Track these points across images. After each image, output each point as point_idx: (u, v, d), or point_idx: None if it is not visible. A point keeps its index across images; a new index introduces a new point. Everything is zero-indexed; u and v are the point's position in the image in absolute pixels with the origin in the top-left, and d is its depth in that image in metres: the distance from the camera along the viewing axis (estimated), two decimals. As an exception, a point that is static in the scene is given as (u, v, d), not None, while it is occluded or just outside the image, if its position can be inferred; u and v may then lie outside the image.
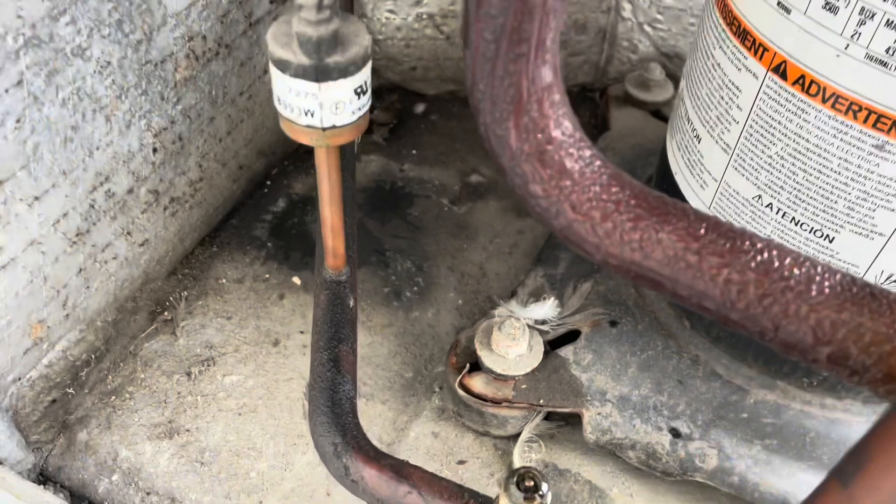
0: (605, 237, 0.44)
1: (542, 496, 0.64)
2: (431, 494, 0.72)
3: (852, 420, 1.05)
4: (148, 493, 1.07)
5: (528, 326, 1.15)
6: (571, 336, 1.18)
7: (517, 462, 1.12)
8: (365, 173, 1.54)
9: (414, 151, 1.60)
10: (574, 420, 1.18)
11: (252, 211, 1.44)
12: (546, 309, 1.16)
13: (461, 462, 1.13)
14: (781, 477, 1.03)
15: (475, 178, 1.55)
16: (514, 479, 0.65)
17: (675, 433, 1.08)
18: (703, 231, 0.43)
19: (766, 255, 0.42)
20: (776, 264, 0.42)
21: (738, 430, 1.07)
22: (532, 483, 0.65)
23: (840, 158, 0.83)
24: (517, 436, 1.15)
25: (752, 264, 0.42)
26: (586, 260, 1.39)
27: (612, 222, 0.43)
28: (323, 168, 0.76)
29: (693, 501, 1.10)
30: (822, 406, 1.06)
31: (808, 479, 1.03)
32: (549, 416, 1.19)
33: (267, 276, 1.34)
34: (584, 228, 0.44)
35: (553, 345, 1.19)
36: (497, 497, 0.68)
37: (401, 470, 0.74)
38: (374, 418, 1.18)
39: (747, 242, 0.43)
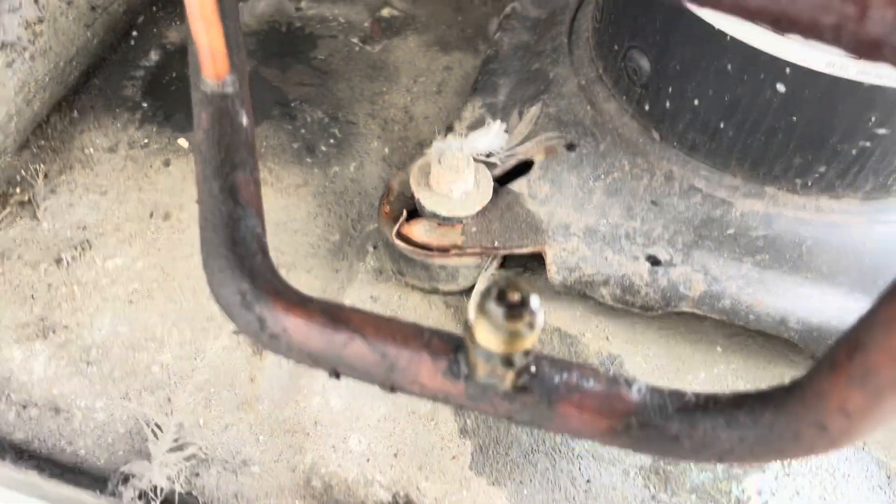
0: None
1: (531, 312, 0.47)
2: (380, 339, 0.54)
3: (852, 222, 0.92)
4: (24, 406, 0.85)
5: (473, 159, 0.95)
6: (523, 168, 1.00)
7: (472, 316, 0.95)
8: (253, 14, 1.28)
9: (311, -11, 1.35)
10: (535, 264, 1.01)
11: (118, 67, 1.17)
12: (491, 137, 0.97)
13: (409, 326, 0.95)
14: (778, 294, 0.90)
15: (388, 12, 1.31)
16: (493, 294, 0.48)
17: (654, 261, 0.92)
18: None
19: None
20: None
21: (725, 249, 0.92)
22: (517, 297, 0.48)
23: None
24: (471, 290, 0.98)
25: None
26: (530, 83, 1.20)
27: None
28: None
29: (677, 335, 0.96)
30: (818, 210, 0.92)
31: (808, 294, 0.90)
32: (505, 263, 1.02)
33: (146, 140, 1.09)
34: None
35: (503, 181, 1.00)
36: (469, 327, 0.51)
37: (337, 314, 0.55)
38: (300, 290, 0.97)
39: None
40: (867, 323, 0.42)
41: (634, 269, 0.92)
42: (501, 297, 0.48)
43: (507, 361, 0.50)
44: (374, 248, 1.03)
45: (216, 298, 0.58)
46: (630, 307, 0.93)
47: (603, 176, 0.97)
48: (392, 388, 0.56)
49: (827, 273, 0.91)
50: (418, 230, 0.94)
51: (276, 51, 1.23)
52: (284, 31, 1.26)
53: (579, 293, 0.94)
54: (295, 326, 0.55)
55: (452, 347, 0.54)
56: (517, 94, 1.09)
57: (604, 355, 0.94)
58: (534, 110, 1.04)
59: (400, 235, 0.94)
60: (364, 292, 0.98)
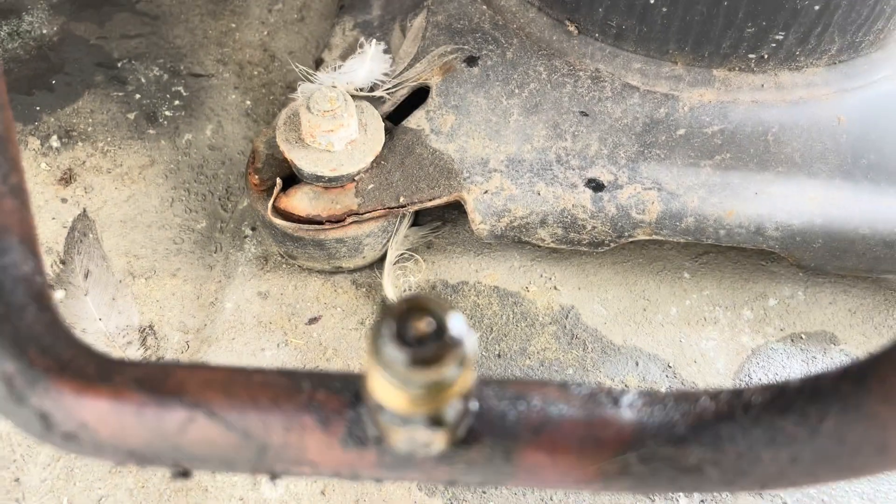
0: None
1: (454, 342, 0.29)
2: (235, 408, 0.35)
3: (820, 95, 0.76)
4: None
5: (353, 97, 0.74)
6: (418, 98, 0.80)
7: (390, 293, 0.76)
8: (49, -43, 1.01)
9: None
10: (453, 213, 0.82)
11: None
12: (370, 64, 0.76)
13: (313, 320, 0.76)
14: (747, 199, 0.74)
15: (221, -70, 1.06)
16: (387, 332, 0.29)
17: (596, 185, 0.74)
18: None
19: None
20: None
21: (678, 155, 0.75)
22: (424, 325, 0.29)
23: None
24: (382, 260, 0.79)
25: None
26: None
27: None
28: None
29: (636, 269, 0.80)
30: (779, 87, 0.75)
31: (783, 192, 0.74)
32: (417, 220, 0.82)
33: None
34: None
35: (395, 118, 0.80)
36: (364, 379, 0.32)
37: (160, 382, 0.35)
38: (167, 301, 0.76)
39: None
40: None
41: (574, 199, 0.74)
42: (402, 335, 0.29)
43: (435, 422, 0.32)
44: (253, 229, 0.82)
45: (-24, 389, 0.38)
46: (577, 246, 0.75)
47: (517, 90, 0.78)
48: (272, 475, 0.37)
49: (801, 162, 0.75)
50: (300, 200, 0.73)
51: (88, 1, 0.97)
52: (93, -27, 1.00)
53: (513, 240, 0.76)
54: (99, 417, 0.35)
55: (348, 399, 0.35)
56: (395, 5, 0.87)
57: (555, 309, 0.77)
58: (418, 21, 0.83)
59: (277, 211, 0.73)
60: (249, 289, 0.77)
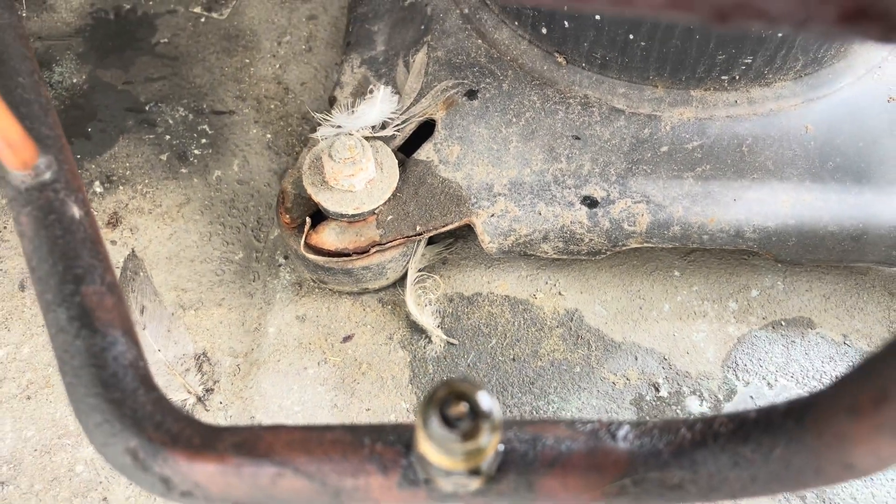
0: None
1: (486, 417, 0.38)
2: (314, 462, 0.45)
3: (788, 106, 0.83)
4: (-57, 559, 0.74)
5: (366, 139, 0.83)
6: (426, 131, 0.88)
7: (413, 309, 0.86)
8: (71, 8, 1.08)
9: (130, -44, 1.14)
10: (464, 231, 0.91)
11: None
12: (380, 105, 0.84)
13: (347, 338, 0.86)
14: (727, 205, 0.82)
15: (225, -35, 1.12)
16: (432, 414, 0.38)
17: (591, 202, 0.83)
18: None
19: None
20: None
21: (662, 169, 0.83)
22: (462, 409, 0.38)
23: None
24: (403, 278, 0.88)
25: None
26: (408, 23, 1.05)
27: None
28: None
29: (631, 271, 0.89)
30: (751, 102, 0.83)
31: (758, 196, 0.83)
32: (432, 239, 0.92)
33: (-12, 199, 0.93)
34: None
35: (406, 150, 0.88)
36: (416, 443, 0.42)
37: (254, 445, 0.45)
38: (215, 330, 0.86)
39: None
40: (890, 369, 0.34)
41: (572, 216, 0.83)
42: (445, 417, 0.39)
43: (473, 473, 0.42)
44: (286, 257, 0.91)
45: (106, 459, 0.48)
46: (576, 256, 0.84)
47: (514, 119, 0.86)
48: (345, 511, 0.47)
49: (773, 169, 0.83)
50: (328, 236, 0.82)
51: (110, 46, 1.05)
52: (114, 19, 1.07)
53: (519, 254, 0.85)
54: (208, 477, 0.45)
55: (401, 451, 0.45)
56: (397, 40, 0.95)
57: (560, 313, 0.86)
58: (420, 58, 0.90)
59: (310, 247, 0.82)
60: (288, 314, 0.87)
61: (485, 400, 0.39)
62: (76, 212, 0.53)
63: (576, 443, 0.46)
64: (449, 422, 0.39)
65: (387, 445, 0.45)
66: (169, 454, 0.45)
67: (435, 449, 0.40)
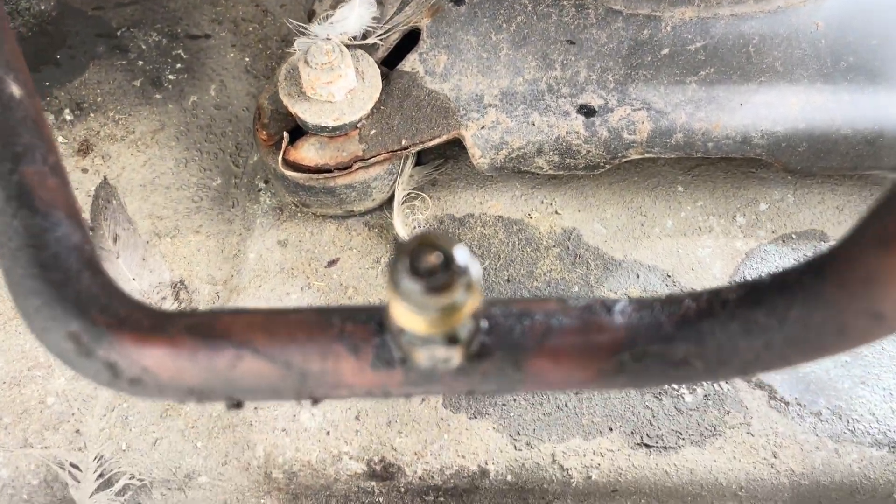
0: None
1: (461, 271, 0.33)
2: (277, 344, 0.40)
3: (797, 2, 0.78)
4: None
5: (347, 46, 0.77)
6: (410, 41, 0.82)
7: (401, 231, 0.81)
8: (35, -68, 1.03)
9: None
10: (454, 150, 0.86)
11: None
12: (359, 9, 0.78)
13: (332, 263, 0.81)
14: (733, 111, 0.77)
15: None
16: (402, 267, 0.34)
17: (588, 111, 0.78)
18: None
19: None
20: None
21: (663, 74, 0.78)
22: (434, 258, 0.34)
23: None
24: (390, 200, 0.83)
25: None
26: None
27: None
28: None
29: (631, 186, 0.84)
30: (757, -1, 0.78)
31: (766, 100, 0.77)
32: (420, 159, 0.86)
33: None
34: None
35: (390, 63, 0.83)
36: (387, 309, 0.37)
37: (210, 328, 0.41)
38: (193, 257, 0.82)
39: None
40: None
41: (568, 126, 0.78)
42: (415, 268, 0.34)
43: (451, 340, 0.37)
44: (266, 182, 0.86)
45: (45, 346, 0.43)
46: (573, 171, 0.79)
47: (504, 25, 0.80)
48: (314, 400, 0.43)
49: (782, 71, 0.78)
50: (308, 152, 0.77)
51: (77, -29, 1.00)
52: (80, -56, 1.02)
53: (513, 171, 0.80)
54: (158, 362, 0.41)
55: (373, 328, 0.41)
56: (379, -50, 0.89)
57: (557, 232, 0.81)
58: (403, -35, 0.85)
59: (288, 163, 0.77)
60: (269, 239, 0.82)
61: (460, 253, 0.35)
62: (15, 90, 0.48)
63: (568, 317, 0.41)
64: (420, 274, 0.34)
65: (358, 324, 0.41)
66: (115, 338, 0.41)
67: (407, 308, 0.35)
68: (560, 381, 0.41)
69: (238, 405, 0.42)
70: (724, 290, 0.41)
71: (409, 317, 0.36)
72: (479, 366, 0.40)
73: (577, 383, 0.41)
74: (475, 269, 0.35)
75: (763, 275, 0.40)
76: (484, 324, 0.40)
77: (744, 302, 0.39)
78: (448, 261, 0.34)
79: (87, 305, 0.41)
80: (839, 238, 0.36)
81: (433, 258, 0.34)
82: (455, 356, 0.39)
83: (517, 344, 0.40)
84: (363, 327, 0.40)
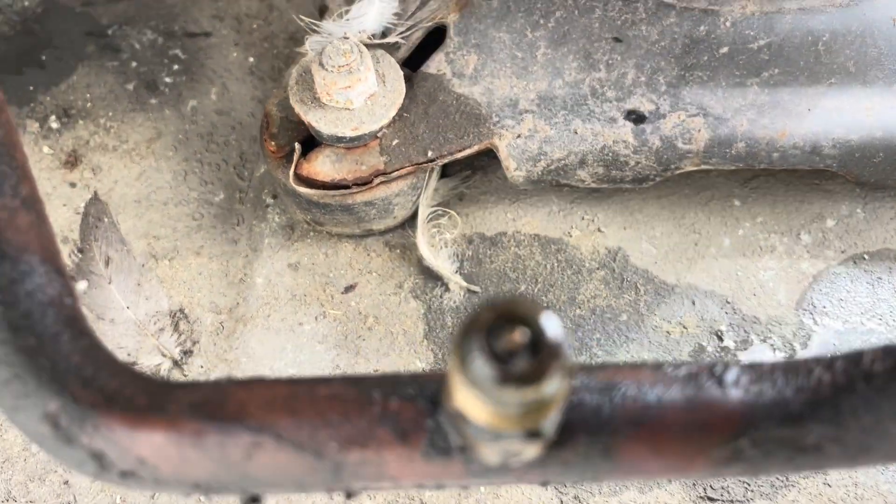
0: None
1: (553, 351, 0.24)
2: (303, 428, 0.32)
3: (874, -5, 0.69)
4: None
5: (366, 46, 0.69)
6: (435, 38, 0.74)
7: (426, 254, 0.72)
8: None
9: None
10: (483, 160, 0.78)
11: None
12: (378, 5, 0.70)
13: (349, 288, 0.73)
14: (801, 116, 0.69)
15: None
16: (475, 347, 0.25)
17: (637, 117, 0.69)
18: None
19: None
20: None
21: (722, 75, 0.69)
22: (519, 337, 0.25)
23: None
24: (413, 218, 0.74)
25: None
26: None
27: None
28: None
29: (682, 201, 0.76)
30: (829, -9, 0.69)
31: (837, 105, 0.69)
32: (446, 171, 0.78)
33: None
34: None
35: (413, 64, 0.74)
36: (449, 372, 0.28)
37: (219, 406, 0.32)
38: (194, 282, 0.73)
39: None
40: None
41: (615, 135, 0.69)
42: (492, 350, 0.25)
43: (532, 435, 0.29)
44: (275, 197, 0.78)
45: (17, 428, 0.34)
46: (619, 184, 0.71)
47: (542, 20, 0.72)
48: (348, 494, 0.34)
49: (855, 71, 0.69)
50: (322, 165, 0.69)
51: (64, -36, 0.91)
52: (67, -67, 0.93)
53: (551, 184, 0.71)
54: (157, 450, 0.32)
55: (425, 408, 0.32)
56: (398, -62, 0.80)
57: (601, 253, 0.73)
58: (426, -46, 0.76)
59: (300, 178, 0.69)
60: (278, 262, 0.74)
61: (551, 325, 0.26)
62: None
63: (669, 392, 0.32)
64: (500, 358, 0.26)
65: (405, 401, 0.32)
66: (101, 419, 0.32)
67: (478, 400, 0.27)
68: (659, 470, 0.33)
69: (255, 500, 0.34)
70: (865, 358, 0.32)
71: (482, 412, 0.27)
72: (560, 455, 0.32)
73: (679, 472, 0.33)
74: (566, 345, 0.27)
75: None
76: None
77: (894, 374, 0.31)
78: (536, 339, 0.26)
79: (67, 378, 0.33)
80: None
81: (517, 337, 0.25)
82: (533, 450, 0.31)
83: (607, 427, 0.32)
84: (412, 406, 0.32)
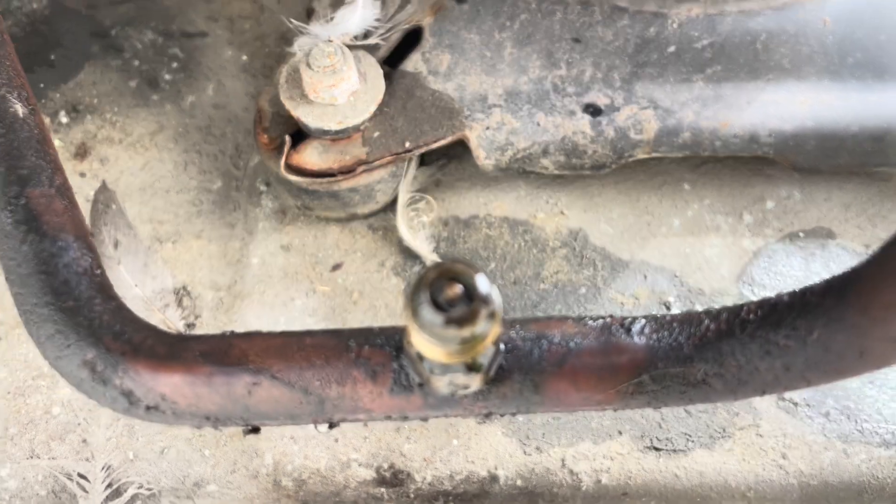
0: None
1: (485, 301, 0.32)
2: (294, 370, 0.40)
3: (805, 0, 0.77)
4: (-86, 508, 0.70)
5: (348, 47, 0.76)
6: (412, 39, 0.81)
7: (405, 235, 0.80)
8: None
9: None
10: (458, 150, 0.85)
11: None
12: (362, 10, 0.77)
13: (336, 267, 0.80)
14: (741, 108, 0.76)
15: None
16: (422, 297, 0.33)
17: (594, 110, 0.77)
18: None
19: None
20: None
21: (670, 72, 0.77)
22: (457, 290, 0.33)
23: None
24: (394, 203, 0.82)
25: None
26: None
27: None
28: None
29: (637, 185, 0.84)
30: (765, -5, 0.77)
31: (774, 98, 0.77)
32: (424, 160, 0.85)
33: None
34: None
35: (392, 62, 0.81)
36: (407, 336, 0.36)
37: (226, 353, 0.40)
38: (195, 262, 0.81)
39: None
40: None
41: (574, 126, 0.77)
42: (435, 301, 0.33)
43: (471, 368, 0.37)
44: (267, 184, 0.85)
45: (61, 375, 0.42)
46: (579, 171, 0.79)
47: (508, 23, 0.79)
48: (331, 425, 0.42)
49: (790, 67, 0.77)
50: (310, 155, 0.76)
51: (69, -31, 0.97)
52: (71, -60, 0.99)
53: (518, 171, 0.79)
54: (175, 389, 0.40)
55: (391, 353, 0.40)
56: (378, -54, 0.87)
57: (563, 233, 0.81)
58: (404, -38, 0.83)
59: (290, 167, 0.76)
60: (272, 243, 0.82)
61: (482, 282, 0.34)
62: (19, 109, 0.47)
63: (586, 339, 0.40)
64: (441, 306, 0.33)
65: (375, 348, 0.40)
66: (130, 365, 0.40)
67: (427, 339, 0.34)
68: (579, 402, 0.41)
69: (255, 431, 0.42)
70: (744, 309, 0.40)
71: (429, 347, 0.35)
72: (498, 389, 0.40)
73: (595, 404, 0.41)
74: (496, 297, 0.34)
75: (783, 293, 0.40)
76: (501, 346, 0.40)
77: (764, 323, 0.39)
78: (469, 292, 0.33)
79: (101, 332, 0.41)
80: (862, 260, 0.36)
81: (455, 290, 0.33)
82: (475, 382, 0.38)
83: (536, 367, 0.40)
84: (380, 352, 0.40)
